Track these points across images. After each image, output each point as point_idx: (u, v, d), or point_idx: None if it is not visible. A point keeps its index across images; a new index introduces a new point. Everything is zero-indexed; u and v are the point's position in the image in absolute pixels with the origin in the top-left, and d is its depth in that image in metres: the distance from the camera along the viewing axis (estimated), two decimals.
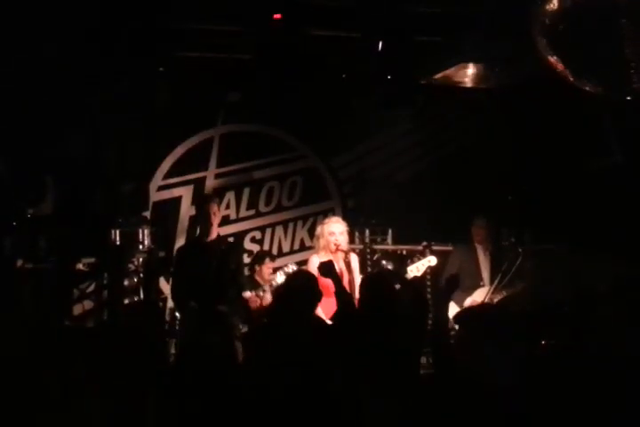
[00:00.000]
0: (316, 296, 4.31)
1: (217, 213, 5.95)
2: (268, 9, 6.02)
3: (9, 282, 6.25)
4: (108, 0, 5.73)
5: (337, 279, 4.57)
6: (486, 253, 6.79)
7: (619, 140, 6.56)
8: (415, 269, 5.64)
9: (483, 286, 6.61)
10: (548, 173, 7.68)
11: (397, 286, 5.19)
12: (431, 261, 5.72)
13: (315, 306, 4.39)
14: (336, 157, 8.39)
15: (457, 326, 3.19)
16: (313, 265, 5.29)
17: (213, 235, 5.96)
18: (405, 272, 5.67)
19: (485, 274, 6.71)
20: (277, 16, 6.02)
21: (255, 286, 6.63)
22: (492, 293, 6.37)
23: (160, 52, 6.37)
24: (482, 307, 5.17)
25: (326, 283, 4.78)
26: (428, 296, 7.31)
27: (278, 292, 5.71)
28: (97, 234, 6.93)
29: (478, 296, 6.49)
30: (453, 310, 6.59)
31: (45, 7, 5.55)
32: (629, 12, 3.87)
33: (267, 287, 6.27)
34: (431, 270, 6.14)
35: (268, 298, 6.13)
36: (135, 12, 5.86)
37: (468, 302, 6.48)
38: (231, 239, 7.54)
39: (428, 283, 7.09)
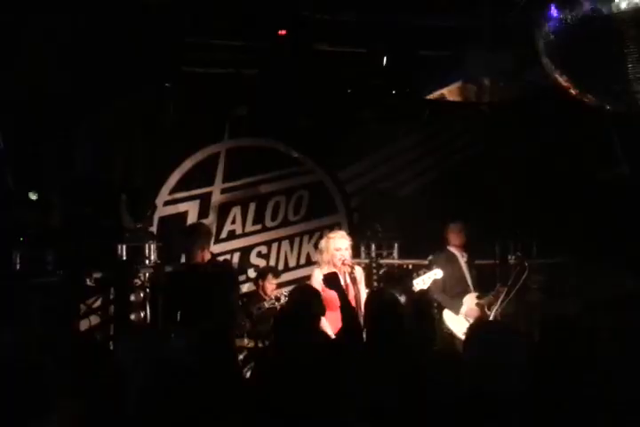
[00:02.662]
0: (319, 310, 4.29)
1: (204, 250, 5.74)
2: (273, 25, 6.07)
3: (17, 296, 6.25)
4: (115, 16, 5.78)
5: (341, 291, 4.55)
6: (464, 256, 6.73)
7: (625, 151, 6.55)
8: (421, 282, 5.66)
9: (470, 290, 6.59)
10: (555, 186, 7.66)
11: (403, 299, 5.22)
12: (437, 274, 5.74)
13: (318, 320, 4.36)
14: (342, 171, 8.40)
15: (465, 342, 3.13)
16: (316, 279, 5.28)
17: (205, 257, 5.75)
18: (411, 285, 5.68)
19: (469, 278, 6.67)
20: (283, 32, 6.08)
21: (259, 300, 6.63)
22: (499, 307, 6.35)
23: (167, 67, 6.41)
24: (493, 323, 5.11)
25: (330, 296, 4.77)
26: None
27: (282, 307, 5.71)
28: (104, 249, 6.95)
29: (470, 301, 6.49)
30: (449, 316, 6.58)
31: (49, 19, 5.59)
32: (630, 27, 3.88)
33: (268, 303, 6.25)
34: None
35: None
36: (142, 28, 5.91)
37: (464, 310, 6.46)
38: (227, 258, 7.55)
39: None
